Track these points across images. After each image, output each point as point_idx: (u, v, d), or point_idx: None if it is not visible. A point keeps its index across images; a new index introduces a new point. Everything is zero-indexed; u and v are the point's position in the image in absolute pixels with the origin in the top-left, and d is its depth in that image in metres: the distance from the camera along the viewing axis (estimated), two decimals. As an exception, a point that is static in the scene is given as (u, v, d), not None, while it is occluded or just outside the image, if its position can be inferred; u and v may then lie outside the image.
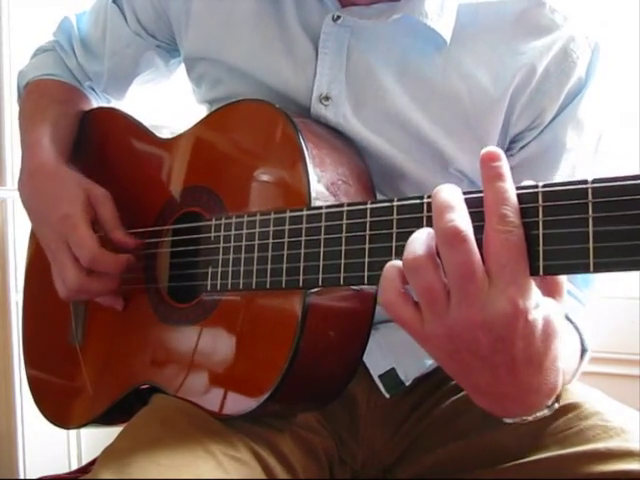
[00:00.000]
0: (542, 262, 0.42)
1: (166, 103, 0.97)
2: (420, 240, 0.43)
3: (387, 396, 0.73)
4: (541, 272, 0.42)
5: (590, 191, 0.41)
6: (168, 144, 0.77)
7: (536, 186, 0.44)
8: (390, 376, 0.73)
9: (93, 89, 0.91)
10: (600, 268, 0.40)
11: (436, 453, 0.70)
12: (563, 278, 0.46)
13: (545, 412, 0.49)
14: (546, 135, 0.69)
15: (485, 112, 0.68)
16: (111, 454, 0.60)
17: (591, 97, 0.69)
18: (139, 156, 0.80)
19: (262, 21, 0.71)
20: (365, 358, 0.71)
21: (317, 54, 0.69)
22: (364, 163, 0.68)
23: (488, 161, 0.44)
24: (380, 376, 0.73)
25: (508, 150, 0.71)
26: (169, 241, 0.74)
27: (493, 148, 0.44)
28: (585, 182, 0.42)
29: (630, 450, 0.56)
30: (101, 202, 0.73)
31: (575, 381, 0.71)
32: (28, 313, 0.93)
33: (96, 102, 0.91)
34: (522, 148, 0.70)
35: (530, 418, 0.49)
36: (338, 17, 0.68)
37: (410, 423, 0.74)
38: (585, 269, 0.41)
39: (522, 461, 0.62)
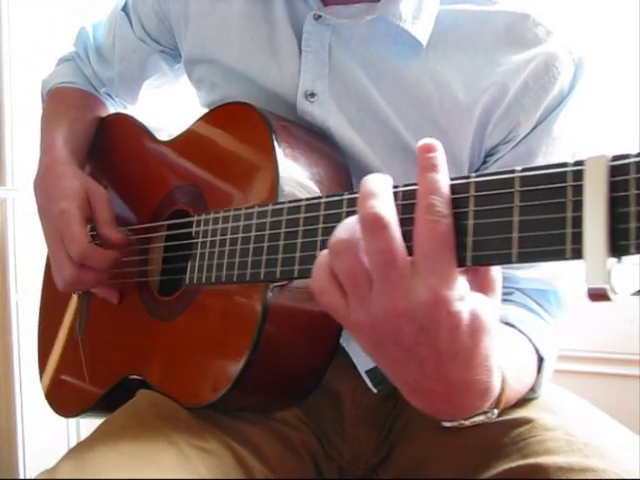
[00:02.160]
0: (470, 252, 0.42)
1: (174, 107, 1.00)
2: (346, 225, 0.43)
3: (374, 391, 0.73)
4: (468, 263, 0.42)
5: (517, 180, 0.41)
6: (165, 146, 0.80)
7: (468, 176, 0.43)
8: (377, 371, 0.72)
9: (109, 95, 0.96)
10: (524, 258, 0.40)
11: (408, 452, 0.69)
12: (497, 275, 0.44)
13: (482, 418, 0.48)
14: (520, 148, 0.69)
15: (454, 118, 0.68)
16: (76, 447, 0.63)
17: (569, 113, 0.68)
18: (141, 157, 0.84)
19: (252, 22, 0.73)
20: (351, 355, 0.72)
21: (301, 52, 0.71)
22: (345, 165, 0.69)
23: (424, 152, 0.43)
24: (367, 372, 0.73)
25: (484, 163, 0.71)
26: (160, 237, 0.77)
27: (429, 140, 0.44)
28: (513, 171, 0.41)
29: (590, 466, 0.54)
30: (99, 201, 0.77)
31: (546, 383, 0.69)
32: (43, 310, 0.98)
33: (113, 107, 0.96)
34: (496, 161, 0.70)
35: (467, 423, 0.47)
36: (319, 16, 0.70)
37: (390, 421, 0.74)
38: (509, 259, 0.40)
39: (488, 474, 0.60)
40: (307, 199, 0.55)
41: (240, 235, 0.61)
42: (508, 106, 0.67)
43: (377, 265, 0.41)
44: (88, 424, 0.87)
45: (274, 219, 0.58)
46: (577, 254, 0.37)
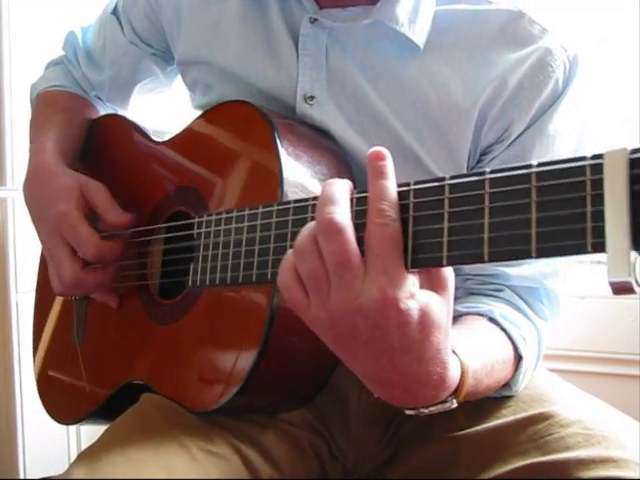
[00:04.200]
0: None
1: (171, 110, 0.99)
2: (308, 229, 0.46)
3: (375, 395, 0.72)
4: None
5: (534, 176, 0.40)
6: (161, 146, 0.79)
7: (483, 172, 0.43)
8: None
9: (100, 98, 0.94)
10: (543, 253, 0.39)
11: (421, 453, 0.69)
12: (449, 274, 0.47)
13: (439, 407, 0.50)
14: (513, 148, 0.68)
15: (454, 121, 0.68)
16: (87, 452, 0.62)
17: (565, 111, 0.68)
18: (136, 158, 0.82)
19: (247, 24, 0.72)
20: None
21: (298, 55, 0.70)
22: (347, 163, 0.68)
23: (374, 160, 0.46)
24: None
25: (479, 162, 0.71)
26: (160, 240, 0.76)
27: (379, 148, 0.47)
28: (530, 166, 0.41)
29: (610, 457, 0.55)
30: (95, 192, 0.74)
31: (559, 380, 0.70)
32: (37, 314, 0.96)
33: (103, 110, 0.94)
34: (491, 161, 0.70)
35: (426, 411, 0.50)
36: (315, 19, 0.69)
37: (397, 422, 0.73)
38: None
39: (505, 469, 0.60)
40: (313, 198, 0.55)
41: (245, 236, 0.60)
42: (503, 105, 0.67)
43: (332, 266, 0.44)
44: (89, 426, 0.86)
45: (279, 219, 0.57)
46: (599, 248, 0.37)
